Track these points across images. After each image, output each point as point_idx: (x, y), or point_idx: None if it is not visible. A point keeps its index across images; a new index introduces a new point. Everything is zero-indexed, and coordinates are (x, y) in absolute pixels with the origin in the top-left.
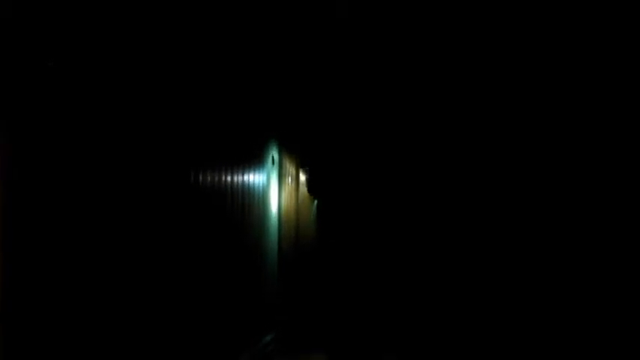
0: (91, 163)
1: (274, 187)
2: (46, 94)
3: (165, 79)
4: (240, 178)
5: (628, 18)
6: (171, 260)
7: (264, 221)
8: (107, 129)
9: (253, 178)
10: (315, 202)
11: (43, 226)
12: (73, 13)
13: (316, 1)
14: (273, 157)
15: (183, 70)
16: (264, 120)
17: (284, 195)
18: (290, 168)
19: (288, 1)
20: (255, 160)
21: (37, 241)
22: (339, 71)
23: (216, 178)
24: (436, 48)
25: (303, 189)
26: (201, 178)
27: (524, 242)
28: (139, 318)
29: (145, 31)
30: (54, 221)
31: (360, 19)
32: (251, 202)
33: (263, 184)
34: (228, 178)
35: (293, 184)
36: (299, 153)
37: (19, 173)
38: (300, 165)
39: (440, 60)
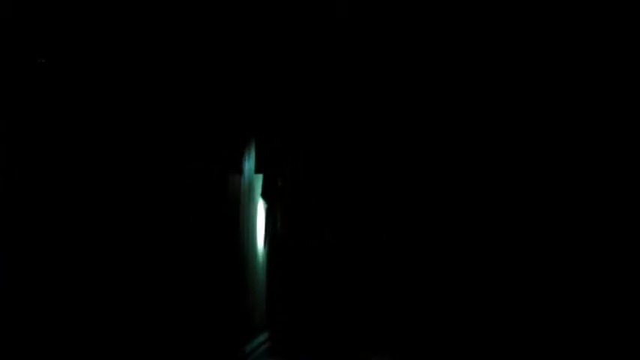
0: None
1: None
2: (36, 96)
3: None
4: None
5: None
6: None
7: (249, 219)
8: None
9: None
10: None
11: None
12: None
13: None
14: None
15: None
16: (248, 127)
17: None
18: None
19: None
20: (244, 157)
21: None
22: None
23: (208, 170)
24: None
25: None
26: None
27: (512, 239)
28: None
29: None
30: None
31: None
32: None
33: (249, 178)
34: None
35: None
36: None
37: (18, 173)
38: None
39: (433, 65)
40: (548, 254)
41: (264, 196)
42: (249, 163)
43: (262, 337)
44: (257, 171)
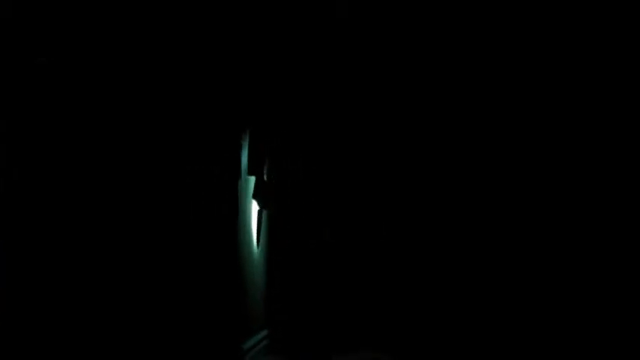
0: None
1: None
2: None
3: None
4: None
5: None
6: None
7: (248, 219)
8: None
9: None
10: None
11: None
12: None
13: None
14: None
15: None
16: (248, 126)
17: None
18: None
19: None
20: (242, 157)
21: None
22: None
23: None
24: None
25: None
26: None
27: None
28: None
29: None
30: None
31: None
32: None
33: (247, 177)
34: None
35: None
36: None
37: (18, 173)
38: None
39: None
40: (548, 253)
41: (255, 197)
42: (247, 163)
43: (260, 336)
44: (250, 172)
